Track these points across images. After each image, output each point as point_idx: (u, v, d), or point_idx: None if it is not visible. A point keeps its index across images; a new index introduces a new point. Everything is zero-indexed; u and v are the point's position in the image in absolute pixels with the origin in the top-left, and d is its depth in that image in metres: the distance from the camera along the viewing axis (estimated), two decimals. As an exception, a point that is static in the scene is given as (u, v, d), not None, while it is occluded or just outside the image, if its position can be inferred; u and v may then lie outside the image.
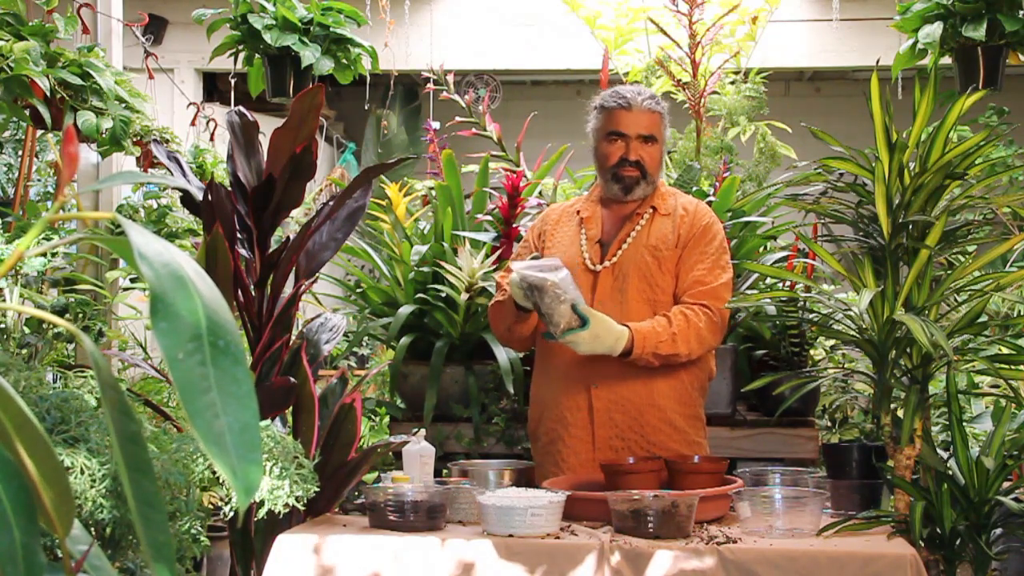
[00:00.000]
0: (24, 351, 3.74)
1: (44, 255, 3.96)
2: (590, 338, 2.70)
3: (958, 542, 2.44)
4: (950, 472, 2.46)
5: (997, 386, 3.47)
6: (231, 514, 2.53)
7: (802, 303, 3.41)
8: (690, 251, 2.89)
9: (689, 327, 2.78)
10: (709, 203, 3.47)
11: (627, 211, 2.97)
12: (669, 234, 2.91)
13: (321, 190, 6.50)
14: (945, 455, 2.54)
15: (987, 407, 3.60)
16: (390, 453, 3.09)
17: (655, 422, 2.85)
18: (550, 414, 2.93)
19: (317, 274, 3.08)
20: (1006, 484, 2.48)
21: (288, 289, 3.00)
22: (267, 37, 4.00)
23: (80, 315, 3.94)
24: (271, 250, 2.96)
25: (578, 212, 3.02)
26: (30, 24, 3.51)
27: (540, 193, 3.95)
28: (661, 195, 2.98)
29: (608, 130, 2.94)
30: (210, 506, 2.97)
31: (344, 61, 4.17)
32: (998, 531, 2.60)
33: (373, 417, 3.90)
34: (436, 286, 3.60)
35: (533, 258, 2.89)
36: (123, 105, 3.73)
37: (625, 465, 2.68)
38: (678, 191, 3.07)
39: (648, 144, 2.92)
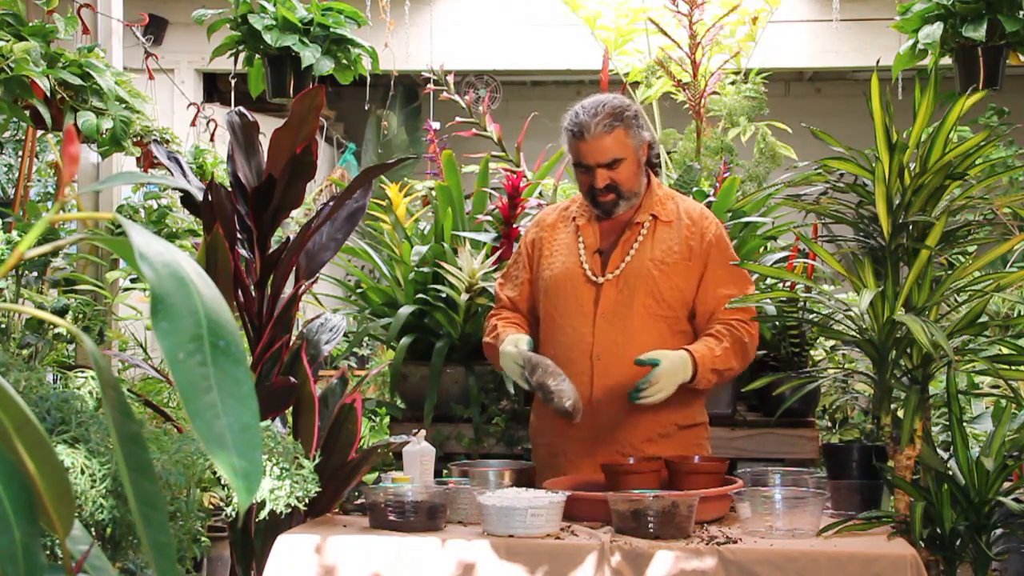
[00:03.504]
0: (24, 351, 3.74)
1: (44, 255, 3.96)
2: (668, 372, 2.67)
3: (958, 542, 2.44)
4: (950, 472, 2.46)
5: (997, 386, 3.47)
6: (232, 514, 2.53)
7: (802, 303, 3.41)
8: (711, 272, 2.84)
9: (735, 340, 2.78)
10: (709, 204, 3.47)
11: (624, 219, 2.90)
12: (674, 244, 2.86)
13: (321, 190, 6.51)
14: (945, 455, 2.54)
15: (987, 407, 3.60)
16: (390, 453, 3.09)
17: (655, 437, 2.83)
18: (552, 426, 2.89)
19: (317, 274, 3.08)
20: (1006, 484, 2.48)
21: (288, 289, 3.00)
22: (267, 37, 4.00)
23: (80, 316, 3.94)
24: (271, 250, 2.96)
25: (574, 219, 2.95)
26: (30, 24, 3.51)
27: (540, 194, 3.95)
28: (659, 200, 2.91)
29: (573, 160, 2.87)
30: (210, 506, 2.97)
31: (344, 61, 4.17)
32: (998, 531, 2.60)
33: (373, 417, 3.90)
34: (436, 286, 3.60)
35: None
36: (123, 105, 3.73)
37: (625, 465, 2.68)
38: (676, 194, 3.01)
39: (614, 167, 2.82)
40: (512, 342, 2.81)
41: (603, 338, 2.82)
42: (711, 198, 3.65)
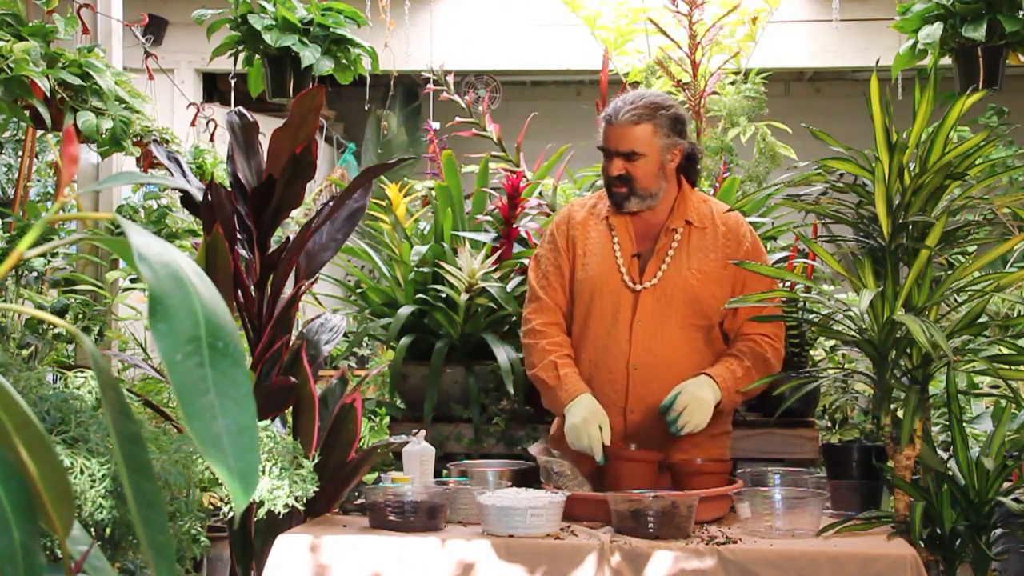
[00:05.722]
0: (24, 351, 3.74)
1: (44, 255, 3.96)
2: (692, 396, 2.66)
3: (958, 543, 2.44)
4: (950, 472, 2.46)
5: (997, 386, 3.47)
6: (231, 514, 2.53)
7: (802, 303, 3.40)
8: (749, 288, 2.82)
9: (756, 358, 2.78)
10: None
11: (657, 221, 2.87)
12: (710, 251, 2.84)
13: (321, 190, 6.51)
14: (945, 455, 2.54)
15: (987, 407, 3.60)
16: (390, 453, 3.09)
17: (685, 445, 2.80)
18: None
19: (317, 274, 3.08)
20: (1006, 484, 2.48)
21: (288, 289, 3.00)
22: (267, 37, 4.00)
23: (80, 316, 3.94)
24: (271, 251, 2.96)
25: (606, 218, 2.90)
26: (30, 24, 3.51)
27: (540, 194, 3.95)
28: (693, 206, 2.88)
29: (600, 144, 2.86)
30: (210, 506, 2.97)
31: (344, 61, 4.17)
32: (998, 531, 2.60)
33: (373, 417, 3.90)
34: (436, 286, 3.59)
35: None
36: (123, 105, 3.73)
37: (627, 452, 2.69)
38: (707, 196, 3.00)
39: (632, 160, 2.80)
40: (590, 411, 2.73)
41: (640, 348, 2.80)
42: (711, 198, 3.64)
